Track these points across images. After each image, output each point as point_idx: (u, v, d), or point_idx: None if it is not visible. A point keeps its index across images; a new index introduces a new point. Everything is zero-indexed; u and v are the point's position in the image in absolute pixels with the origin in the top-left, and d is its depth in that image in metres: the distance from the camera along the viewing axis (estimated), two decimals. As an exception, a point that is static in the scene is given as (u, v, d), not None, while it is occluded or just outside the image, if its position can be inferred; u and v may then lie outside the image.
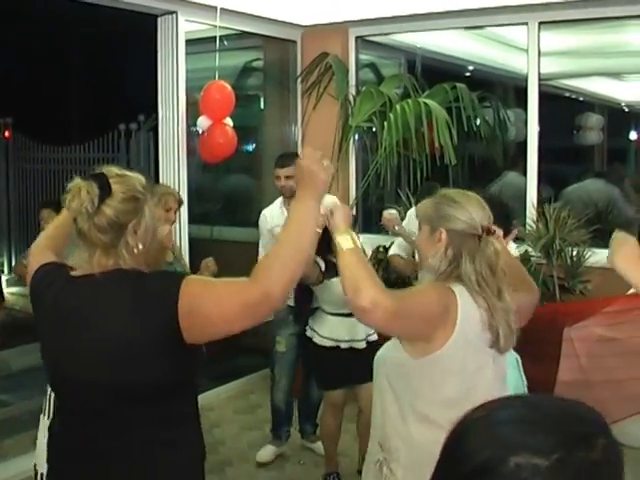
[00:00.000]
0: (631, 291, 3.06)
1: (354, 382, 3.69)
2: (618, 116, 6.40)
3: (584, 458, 0.76)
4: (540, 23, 4.86)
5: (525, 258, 4.28)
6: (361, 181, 5.51)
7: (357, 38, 5.70)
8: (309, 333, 3.80)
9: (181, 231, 4.62)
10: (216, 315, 1.62)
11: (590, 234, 4.53)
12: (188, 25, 4.83)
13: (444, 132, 4.71)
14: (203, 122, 4.58)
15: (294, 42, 5.78)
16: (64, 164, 7.82)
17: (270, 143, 6.11)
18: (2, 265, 9.69)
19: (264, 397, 4.77)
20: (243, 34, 5.44)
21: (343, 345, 3.66)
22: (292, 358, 4.26)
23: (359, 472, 2.99)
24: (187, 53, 4.84)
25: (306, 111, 5.76)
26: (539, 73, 4.94)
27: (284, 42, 5.79)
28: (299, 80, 5.79)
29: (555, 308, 4.15)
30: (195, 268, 3.67)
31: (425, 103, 4.85)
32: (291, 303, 4.18)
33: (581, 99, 6.65)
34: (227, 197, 6.83)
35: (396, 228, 3.78)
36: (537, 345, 3.54)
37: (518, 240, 3.83)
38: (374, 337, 3.63)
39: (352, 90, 5.59)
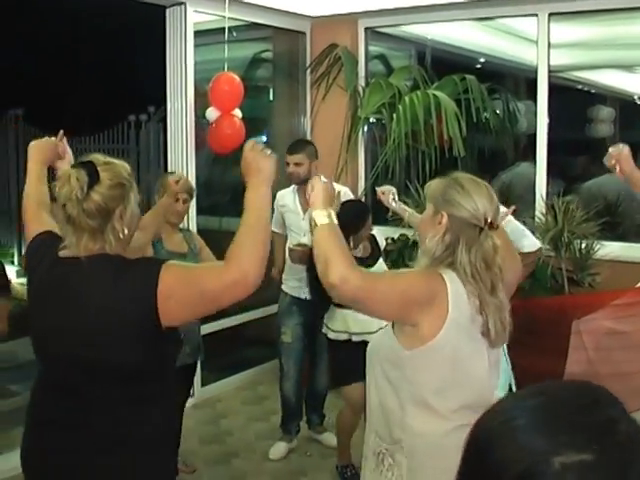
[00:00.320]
0: (640, 284, 3.05)
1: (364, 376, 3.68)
2: (630, 109, 6.35)
3: (619, 441, 0.76)
4: (550, 14, 4.82)
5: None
6: (370, 172, 5.51)
7: (366, 29, 5.68)
8: (324, 330, 3.81)
9: (189, 222, 4.62)
10: (197, 297, 1.74)
11: (599, 227, 4.51)
12: (197, 16, 4.82)
13: (453, 124, 4.70)
14: (212, 113, 4.58)
15: (303, 33, 5.77)
16: (74, 155, 7.80)
17: (279, 134, 6.10)
18: (12, 256, 9.76)
19: (272, 388, 4.78)
20: (252, 25, 5.43)
21: (355, 338, 3.63)
22: (299, 348, 4.27)
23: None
24: (196, 44, 4.83)
25: (315, 102, 5.75)
26: (549, 65, 4.90)
27: (293, 33, 5.77)
28: (308, 71, 5.77)
29: (564, 301, 4.14)
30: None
31: (434, 95, 4.84)
32: (300, 295, 4.19)
33: (592, 91, 6.60)
34: (236, 188, 6.81)
35: (392, 203, 3.74)
36: (546, 337, 3.54)
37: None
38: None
39: (361, 81, 5.57)
